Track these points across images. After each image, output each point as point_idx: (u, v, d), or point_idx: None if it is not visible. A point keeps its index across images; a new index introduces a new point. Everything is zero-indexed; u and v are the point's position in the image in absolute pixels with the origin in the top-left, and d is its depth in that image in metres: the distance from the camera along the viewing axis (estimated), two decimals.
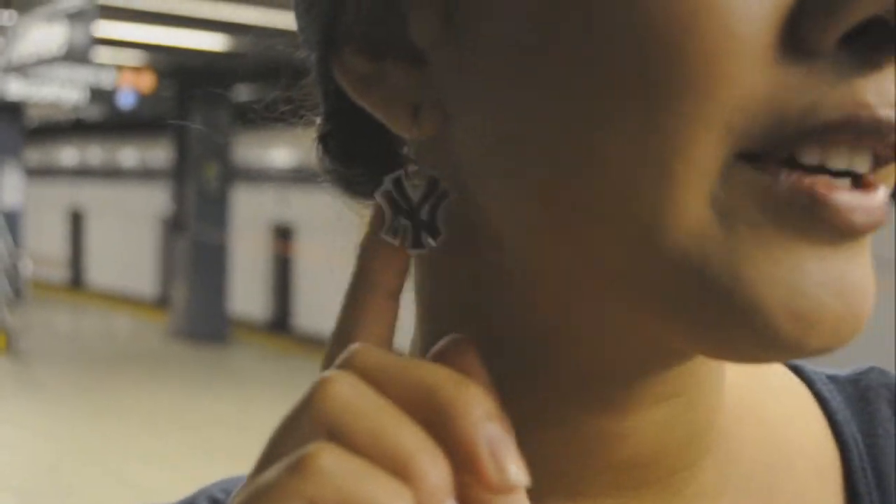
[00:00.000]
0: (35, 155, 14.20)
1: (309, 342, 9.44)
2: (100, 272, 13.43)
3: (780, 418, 0.35)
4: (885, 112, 0.21)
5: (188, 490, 0.43)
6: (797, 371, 0.36)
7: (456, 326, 0.26)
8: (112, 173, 12.89)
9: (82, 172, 13.50)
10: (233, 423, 6.59)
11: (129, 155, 13.06)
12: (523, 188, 0.24)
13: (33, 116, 11.30)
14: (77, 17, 6.18)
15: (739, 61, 0.20)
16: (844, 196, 0.21)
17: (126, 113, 9.78)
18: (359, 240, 0.27)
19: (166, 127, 9.84)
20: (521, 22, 0.23)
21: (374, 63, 0.26)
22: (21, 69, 7.16)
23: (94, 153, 13.47)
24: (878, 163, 0.22)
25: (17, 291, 8.95)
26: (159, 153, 11.00)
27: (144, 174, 12.26)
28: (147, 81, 8.74)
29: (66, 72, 7.63)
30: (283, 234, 10.12)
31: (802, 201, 0.20)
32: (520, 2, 0.23)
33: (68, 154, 14.37)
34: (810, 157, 0.21)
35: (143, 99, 8.84)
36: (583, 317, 0.26)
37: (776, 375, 0.36)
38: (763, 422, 0.34)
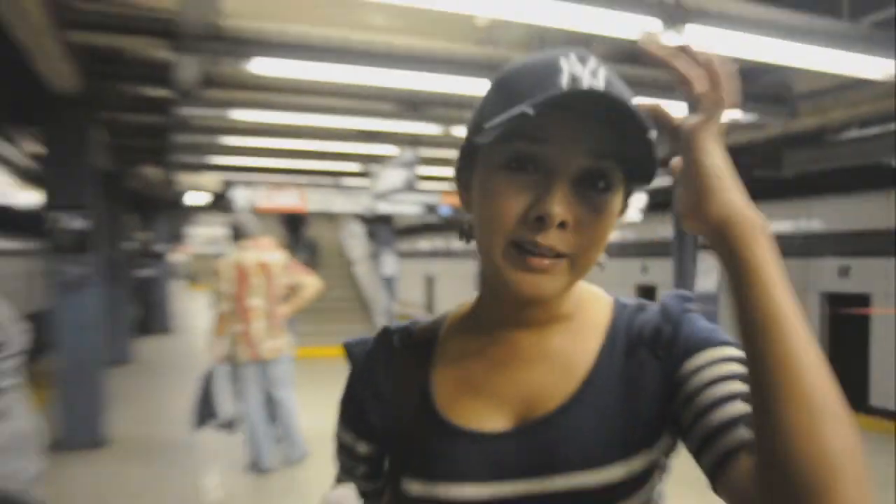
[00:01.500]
0: (403, 244, 20.11)
1: None
2: (443, 309, 19.07)
3: (590, 307, 0.85)
4: (543, 240, 0.71)
5: None
6: (617, 299, 0.87)
7: (483, 278, 0.81)
8: (448, 253, 18.07)
9: (431, 253, 19.12)
10: None
11: (450, 242, 18.04)
12: (478, 238, 0.75)
13: (399, 222, 16.06)
14: (409, 165, 8.75)
15: (508, 223, 0.72)
16: (534, 261, 0.72)
17: (446, 218, 13.38)
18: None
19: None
20: (478, 194, 0.76)
21: (464, 183, 0.82)
22: (384, 196, 10.15)
23: (435, 242, 18.91)
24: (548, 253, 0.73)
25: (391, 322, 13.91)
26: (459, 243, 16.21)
27: (454, 252, 17.09)
28: (457, 199, 13.37)
29: (408, 196, 10.56)
30: None
31: (521, 259, 0.73)
32: (477, 192, 0.76)
33: (422, 242, 19.96)
34: (528, 246, 0.71)
35: (455, 210, 12.28)
36: (496, 285, 0.77)
37: (600, 297, 0.88)
38: (583, 308, 0.85)
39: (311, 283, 5.29)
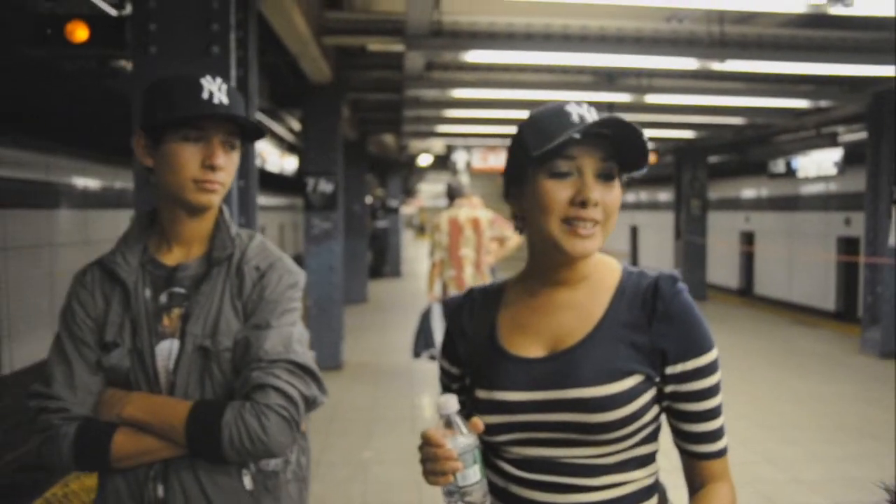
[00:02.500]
0: None
1: (763, 301, 12.95)
2: (646, 258, 18.85)
3: (605, 271, 1.17)
4: (587, 215, 1.06)
5: None
6: (625, 266, 1.17)
7: (531, 252, 1.17)
8: (651, 205, 18.61)
9: (635, 205, 19.48)
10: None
11: (650, 194, 18.57)
12: (535, 224, 1.11)
13: None
14: None
15: (561, 207, 1.06)
16: (583, 230, 1.06)
17: (646, 174, 14.94)
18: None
19: (669, 180, 14.45)
20: (534, 195, 1.09)
21: (514, 194, 1.16)
22: None
23: (640, 194, 19.26)
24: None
25: None
26: (666, 194, 16.03)
27: (661, 206, 17.29)
28: (654, 158, 12.85)
29: None
30: (748, 238, 13.86)
31: (573, 230, 1.07)
32: (532, 195, 1.09)
33: (626, 195, 20.92)
34: (576, 222, 1.06)
35: (651, 166, 13.51)
36: (545, 252, 1.13)
37: (612, 263, 1.18)
38: (599, 271, 1.17)
39: (514, 237, 6.06)
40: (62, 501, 3.88)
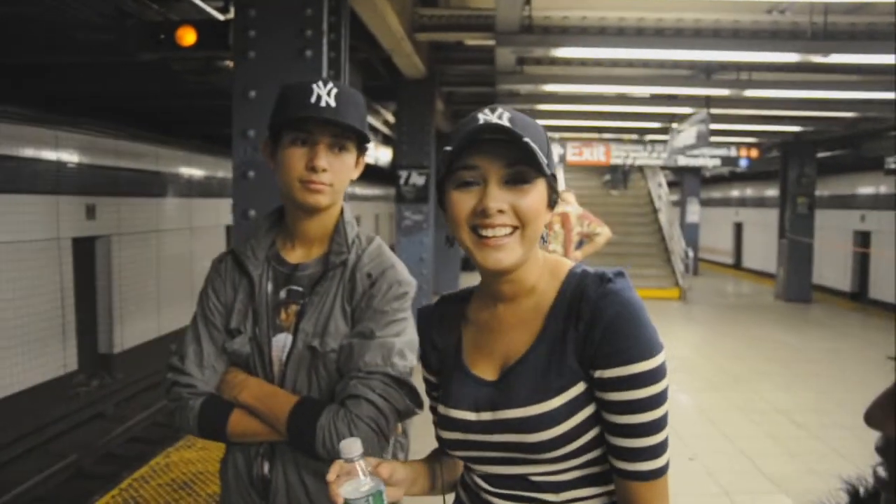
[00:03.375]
0: (713, 192, 20.40)
1: (879, 306, 12.17)
2: (750, 258, 18.46)
3: (550, 278, 1.08)
4: (490, 223, 1.01)
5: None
6: (571, 269, 1.08)
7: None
8: (756, 202, 17.92)
9: (740, 201, 18.97)
10: (814, 354, 8.50)
11: (756, 190, 17.80)
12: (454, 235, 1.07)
13: (707, 172, 16.57)
14: (702, 122, 8.50)
15: (465, 218, 1.02)
16: (489, 240, 1.01)
17: (747, 169, 14.22)
18: None
19: (775, 175, 13.86)
20: (448, 208, 1.05)
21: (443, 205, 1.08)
22: (681, 150, 10.45)
23: (738, 190, 18.69)
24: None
25: (688, 267, 13.55)
26: (773, 190, 15.20)
27: (769, 202, 16.54)
28: (755, 153, 12.76)
29: (703, 150, 11.32)
30: (863, 238, 13.13)
31: (480, 240, 1.02)
32: (447, 207, 1.05)
33: (725, 191, 19.91)
34: (480, 231, 1.02)
35: (754, 161, 12.99)
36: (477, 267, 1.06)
37: (560, 269, 1.09)
38: (544, 279, 1.08)
39: (602, 232, 6.03)
40: (164, 469, 4.20)
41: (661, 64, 7.21)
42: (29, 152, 7.68)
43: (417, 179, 7.97)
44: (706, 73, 7.10)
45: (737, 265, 19.43)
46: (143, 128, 9.63)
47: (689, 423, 5.56)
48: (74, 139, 8.34)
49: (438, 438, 1.13)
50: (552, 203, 1.09)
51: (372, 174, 14.19)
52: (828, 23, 5.49)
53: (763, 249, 16.82)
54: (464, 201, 1.03)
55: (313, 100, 1.34)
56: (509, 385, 1.05)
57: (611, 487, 1.04)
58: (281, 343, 1.42)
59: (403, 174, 7.96)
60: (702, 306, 12.06)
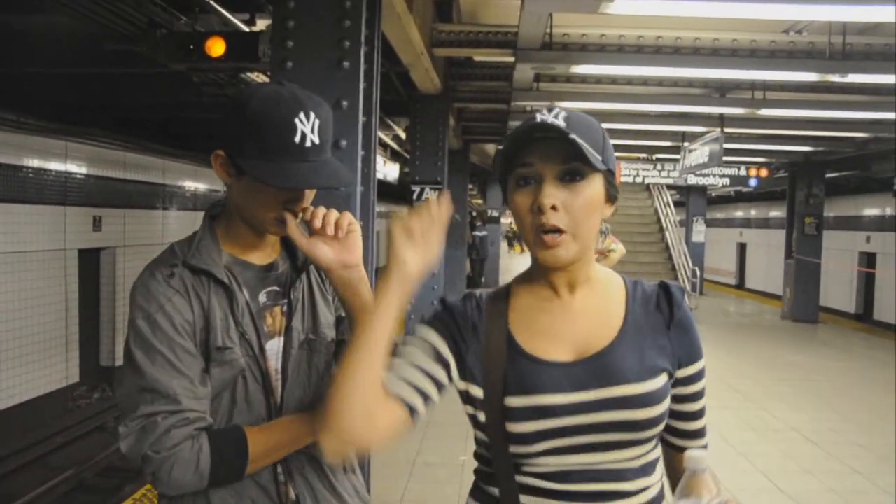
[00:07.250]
0: (717, 213, 20.36)
1: (884, 327, 12.07)
2: (753, 279, 18.45)
3: (610, 280, 1.19)
4: (546, 221, 1.05)
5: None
6: (623, 276, 1.22)
7: (533, 258, 1.14)
8: (760, 223, 17.91)
9: (744, 222, 18.95)
10: (824, 373, 8.56)
11: (760, 211, 17.87)
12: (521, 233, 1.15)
13: (712, 192, 16.79)
14: (716, 142, 8.62)
15: (526, 215, 1.08)
16: (547, 238, 1.06)
17: (754, 189, 14.12)
18: None
19: (778, 196, 14.10)
20: (512, 206, 1.13)
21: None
22: (692, 169, 10.43)
23: (742, 210, 18.73)
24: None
25: (694, 286, 13.78)
26: (778, 211, 15.36)
27: (773, 223, 16.64)
28: (764, 172, 12.68)
29: (717, 170, 11.71)
30: (868, 260, 13.13)
31: (540, 238, 1.07)
32: (511, 205, 1.12)
33: (730, 211, 19.98)
34: (540, 229, 1.06)
35: (762, 181, 12.87)
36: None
37: (614, 274, 1.21)
38: (605, 280, 1.19)
39: (618, 249, 6.11)
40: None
41: (675, 82, 7.24)
42: (38, 163, 7.67)
43: (431, 195, 7.98)
44: (720, 91, 7.13)
45: (740, 285, 19.48)
46: (151, 140, 9.65)
47: None
48: (83, 150, 8.34)
49: (507, 435, 1.08)
50: (611, 197, 1.14)
51: (380, 189, 14.13)
52: (846, 43, 5.52)
53: (766, 270, 16.86)
54: (523, 199, 1.09)
55: (297, 138, 1.25)
56: (612, 364, 1.10)
57: (657, 476, 1.16)
58: (274, 349, 1.35)
59: (416, 189, 7.97)
60: (709, 326, 12.10)
